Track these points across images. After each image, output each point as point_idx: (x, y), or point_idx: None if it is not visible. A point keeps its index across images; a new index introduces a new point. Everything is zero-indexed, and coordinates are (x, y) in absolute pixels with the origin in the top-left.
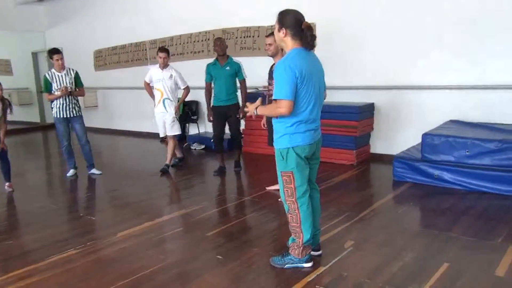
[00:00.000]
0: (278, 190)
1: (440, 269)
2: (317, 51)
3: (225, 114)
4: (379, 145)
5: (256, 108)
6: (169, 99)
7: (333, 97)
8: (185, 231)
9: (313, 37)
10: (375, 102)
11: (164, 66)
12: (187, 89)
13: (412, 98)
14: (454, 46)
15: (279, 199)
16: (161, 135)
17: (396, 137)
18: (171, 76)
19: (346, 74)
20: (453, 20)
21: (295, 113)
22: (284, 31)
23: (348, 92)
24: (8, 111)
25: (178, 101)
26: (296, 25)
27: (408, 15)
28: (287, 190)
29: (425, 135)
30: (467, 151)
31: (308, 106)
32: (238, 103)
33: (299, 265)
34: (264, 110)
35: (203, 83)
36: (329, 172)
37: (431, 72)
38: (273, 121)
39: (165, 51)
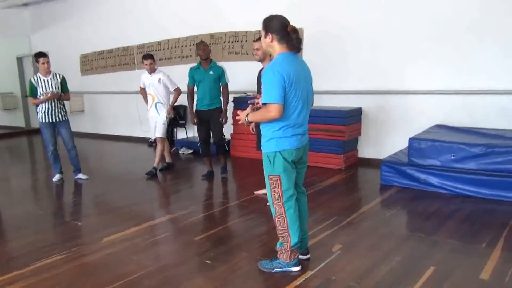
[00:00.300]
0: (266, 194)
1: (427, 272)
2: (305, 55)
3: (208, 118)
4: (367, 150)
5: (247, 115)
6: (160, 102)
7: (321, 102)
8: (173, 236)
9: (299, 40)
10: (362, 106)
11: (152, 71)
12: (178, 90)
13: (399, 103)
14: (440, 52)
15: (267, 204)
16: (152, 138)
17: (384, 141)
18: (159, 80)
19: (334, 78)
20: (439, 26)
21: (282, 118)
22: (270, 36)
23: (336, 97)
24: None
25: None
26: (281, 29)
27: (396, 21)
28: (274, 194)
29: (411, 140)
30: (453, 155)
31: (296, 110)
32: (221, 107)
33: (288, 269)
34: (255, 116)
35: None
36: (317, 177)
37: (417, 77)
38: (261, 125)
39: (149, 57)
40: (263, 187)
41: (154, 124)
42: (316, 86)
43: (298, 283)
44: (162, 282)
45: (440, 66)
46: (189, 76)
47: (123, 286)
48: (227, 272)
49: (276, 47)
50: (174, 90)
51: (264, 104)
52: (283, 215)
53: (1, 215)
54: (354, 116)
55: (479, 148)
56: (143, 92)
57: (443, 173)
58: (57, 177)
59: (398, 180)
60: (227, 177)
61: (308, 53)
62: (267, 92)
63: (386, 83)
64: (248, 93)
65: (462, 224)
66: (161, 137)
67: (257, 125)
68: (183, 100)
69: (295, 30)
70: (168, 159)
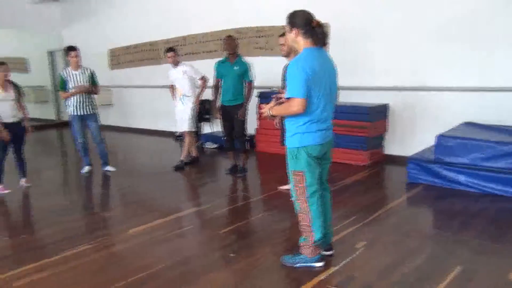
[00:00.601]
0: (290, 189)
1: (453, 272)
2: (331, 50)
3: (230, 113)
4: (393, 147)
5: (270, 109)
6: (186, 95)
7: (347, 98)
8: (196, 229)
9: (324, 34)
10: (389, 103)
11: (176, 64)
12: (204, 79)
13: (426, 100)
14: (470, 47)
15: (291, 199)
16: (178, 131)
17: (411, 138)
18: (184, 72)
19: (360, 74)
20: (469, 20)
21: (306, 113)
22: (295, 31)
23: (363, 93)
24: (22, 92)
25: (197, 94)
26: (306, 24)
27: (424, 15)
28: (298, 189)
29: (439, 137)
30: (482, 154)
31: (320, 105)
32: (243, 103)
33: (310, 264)
34: (278, 110)
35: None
36: (342, 173)
37: (446, 73)
38: (285, 120)
39: (171, 50)
40: (287, 182)
41: (181, 117)
42: (342, 82)
43: (320, 278)
44: (185, 274)
45: (469, 63)
46: (215, 69)
47: (147, 276)
48: (250, 265)
49: (301, 42)
50: (200, 79)
51: (288, 98)
52: (307, 211)
53: (32, 205)
54: (379, 113)
55: (509, 146)
56: (171, 87)
57: (471, 171)
58: (86, 169)
59: (424, 178)
60: (245, 176)
61: (334, 49)
62: (291, 87)
63: (414, 80)
64: (273, 88)
65: (489, 223)
66: (188, 131)
67: (282, 120)
68: (209, 94)
69: (320, 25)
70: (194, 153)
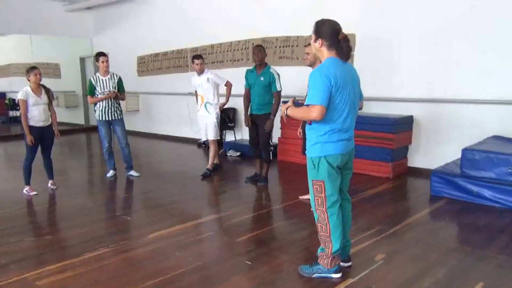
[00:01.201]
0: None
1: (474, 287)
2: (356, 61)
3: (255, 122)
4: (417, 159)
5: (287, 108)
6: (209, 102)
7: (372, 109)
8: (215, 235)
9: (349, 48)
10: (414, 115)
11: (201, 71)
12: (229, 85)
13: (453, 112)
14: (497, 58)
15: (311, 209)
16: (203, 138)
17: (435, 151)
18: (208, 79)
19: (386, 85)
20: (496, 31)
21: (328, 122)
22: (320, 41)
23: (388, 104)
24: (53, 96)
25: (220, 102)
26: (332, 35)
27: (450, 25)
28: (318, 199)
29: (465, 150)
30: (509, 168)
31: (342, 114)
32: (269, 114)
33: (328, 275)
34: (295, 111)
35: (241, 91)
36: (364, 184)
37: (473, 85)
38: (306, 129)
39: (200, 57)
40: (308, 192)
41: (204, 125)
42: (367, 93)
43: None
44: (202, 280)
45: (497, 75)
46: (245, 78)
47: (165, 281)
48: (267, 273)
49: (325, 53)
50: (225, 85)
51: (308, 105)
52: (326, 221)
53: (57, 206)
54: (404, 124)
55: None
56: (196, 94)
57: (497, 186)
58: (111, 173)
59: (448, 192)
60: (266, 185)
61: (359, 59)
62: (312, 94)
63: (440, 91)
64: (298, 98)
65: None
66: (213, 139)
67: (304, 129)
68: (232, 103)
69: (346, 38)
70: (216, 160)
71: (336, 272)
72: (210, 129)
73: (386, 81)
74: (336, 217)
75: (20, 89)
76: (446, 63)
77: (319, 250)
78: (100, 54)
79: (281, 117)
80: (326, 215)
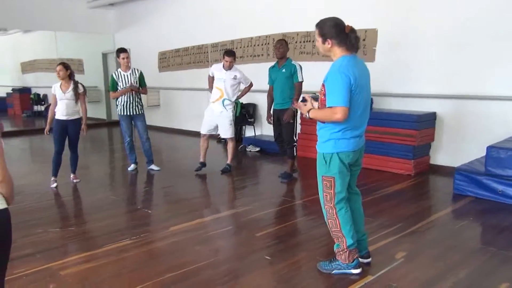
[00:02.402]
0: None
1: None
2: (378, 57)
3: (278, 117)
4: (440, 156)
5: (309, 111)
6: (228, 99)
7: (393, 105)
8: (235, 230)
9: (357, 38)
10: (437, 111)
11: (230, 68)
12: (251, 85)
13: (478, 109)
14: None
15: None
16: (204, 132)
17: (459, 149)
18: (235, 77)
19: (408, 81)
20: None
21: (345, 121)
22: (329, 42)
23: (410, 101)
24: (85, 92)
25: (237, 97)
26: (339, 32)
27: (477, 20)
28: (326, 196)
29: (490, 148)
30: None
31: (357, 112)
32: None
33: (347, 271)
34: (318, 114)
35: (261, 87)
36: (384, 181)
37: (499, 82)
38: (318, 126)
39: (232, 55)
40: None
41: (215, 120)
42: (388, 89)
43: (357, 287)
44: (221, 274)
45: None
46: (268, 76)
47: (184, 274)
48: (286, 269)
49: (337, 51)
50: (247, 86)
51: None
52: (335, 216)
53: (80, 199)
54: (427, 121)
55: None
56: (210, 80)
57: None
58: (132, 166)
59: (472, 190)
60: (290, 182)
61: (381, 55)
62: (334, 95)
63: (464, 87)
64: (317, 94)
65: None
66: (231, 137)
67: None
68: (252, 98)
69: (353, 30)
70: (203, 159)
71: (355, 267)
72: (227, 127)
73: (408, 77)
74: (345, 212)
75: (45, 84)
76: (472, 59)
77: (335, 247)
78: (121, 50)
79: (301, 113)
80: (334, 210)
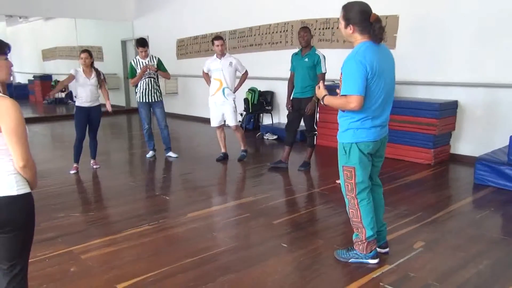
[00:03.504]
0: None
1: None
2: (399, 43)
3: (298, 107)
4: (461, 146)
5: (323, 97)
6: (228, 88)
7: (414, 93)
8: (252, 217)
9: (382, 29)
10: (459, 100)
11: (222, 55)
12: (246, 74)
13: (500, 97)
14: None
15: (336, 181)
16: (215, 125)
17: (481, 138)
18: (230, 63)
19: (429, 69)
20: None
21: (363, 110)
22: (351, 27)
23: (431, 88)
24: (105, 80)
25: (235, 89)
26: (363, 19)
27: (498, 8)
28: (348, 185)
29: None
30: None
31: (377, 101)
32: (312, 97)
33: (364, 260)
34: (333, 102)
35: (279, 74)
36: (404, 170)
37: None
38: (339, 115)
39: (220, 38)
40: None
41: (221, 110)
42: (410, 76)
43: (374, 275)
44: (239, 260)
45: None
46: (291, 62)
47: (202, 260)
48: (303, 257)
49: (358, 37)
50: (243, 74)
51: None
52: (356, 207)
53: (100, 184)
54: (448, 110)
55: None
56: (206, 76)
57: None
58: (150, 153)
59: (494, 180)
60: (307, 170)
61: (402, 41)
62: (349, 83)
63: (487, 76)
64: (336, 82)
65: None
66: (236, 125)
67: None
68: (270, 86)
69: (378, 19)
70: (224, 150)
71: (373, 257)
72: (231, 115)
73: (430, 64)
74: (367, 203)
75: (66, 71)
76: (494, 47)
77: (354, 236)
78: (140, 44)
79: (318, 102)
80: (356, 201)
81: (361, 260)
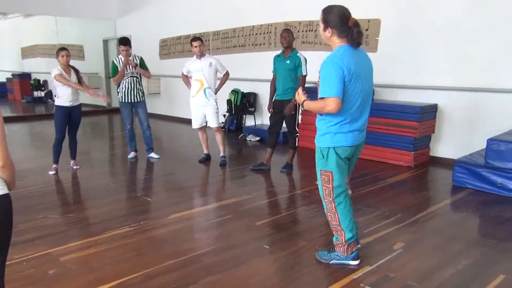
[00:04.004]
0: None
1: (495, 280)
2: (381, 47)
3: (280, 109)
4: (440, 148)
5: (303, 102)
6: (210, 88)
7: (394, 96)
8: (234, 219)
9: (360, 33)
10: (438, 103)
11: (201, 55)
12: (227, 74)
13: (478, 101)
14: None
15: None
16: (197, 126)
17: (459, 141)
18: (210, 64)
19: (410, 72)
20: None
21: (340, 112)
22: (330, 30)
23: (411, 92)
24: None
25: (216, 89)
26: (342, 23)
27: (483, 12)
28: (325, 189)
29: (490, 140)
30: None
31: (355, 105)
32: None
33: (346, 262)
34: (312, 106)
35: (262, 75)
36: (385, 172)
37: (499, 73)
38: (317, 118)
39: (198, 39)
40: None
41: (202, 112)
42: (390, 80)
43: (355, 276)
44: (221, 262)
45: None
46: (273, 64)
47: (184, 261)
48: (285, 258)
49: (336, 41)
50: (224, 74)
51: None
52: (334, 210)
53: (80, 185)
54: (428, 113)
55: None
56: (185, 78)
57: None
58: (132, 154)
59: (472, 182)
60: (290, 172)
61: (384, 45)
62: (326, 86)
63: (466, 80)
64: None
65: None
66: (217, 127)
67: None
68: (253, 87)
69: (357, 24)
70: (207, 151)
71: (354, 259)
72: (212, 117)
73: (410, 68)
74: (343, 206)
75: (46, 69)
76: (472, 51)
77: (334, 239)
78: (122, 42)
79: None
80: (333, 204)
81: (342, 261)
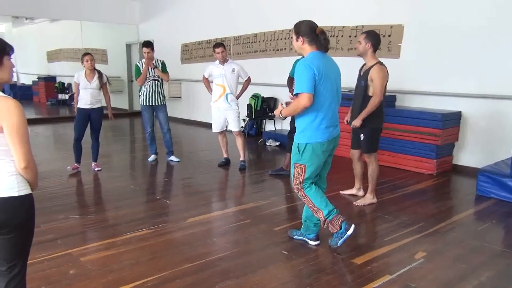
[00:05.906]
0: (352, 195)
1: None
2: (403, 54)
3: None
4: (463, 157)
5: (281, 112)
6: (231, 93)
7: (418, 103)
8: (252, 224)
9: (327, 40)
10: (462, 110)
11: (224, 61)
12: (249, 80)
13: (505, 109)
14: None
15: (355, 203)
16: (217, 130)
17: (484, 149)
18: (233, 70)
19: (433, 79)
20: None
21: (315, 109)
22: (301, 39)
23: (435, 98)
24: (108, 82)
25: (238, 93)
26: (311, 32)
27: (504, 19)
28: (296, 180)
29: None
30: None
31: (326, 102)
32: None
33: (305, 239)
34: (289, 109)
35: (283, 81)
36: (406, 180)
37: None
38: (295, 117)
39: (221, 45)
40: (350, 186)
41: (223, 116)
42: (412, 86)
43: (375, 285)
44: (239, 266)
45: None
46: (292, 67)
47: (201, 265)
48: (303, 265)
49: (307, 49)
50: (245, 81)
51: (296, 96)
52: (303, 195)
53: (101, 187)
54: (451, 120)
55: None
56: (206, 81)
57: None
58: (152, 157)
59: (496, 192)
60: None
61: (407, 51)
62: (299, 83)
63: (492, 87)
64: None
65: None
66: (239, 131)
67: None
68: (273, 92)
69: (323, 32)
70: (226, 155)
71: (312, 239)
72: (234, 121)
73: (433, 74)
74: (309, 188)
75: (70, 73)
76: (498, 58)
77: (302, 219)
78: (144, 45)
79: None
80: (301, 190)
81: (302, 237)
